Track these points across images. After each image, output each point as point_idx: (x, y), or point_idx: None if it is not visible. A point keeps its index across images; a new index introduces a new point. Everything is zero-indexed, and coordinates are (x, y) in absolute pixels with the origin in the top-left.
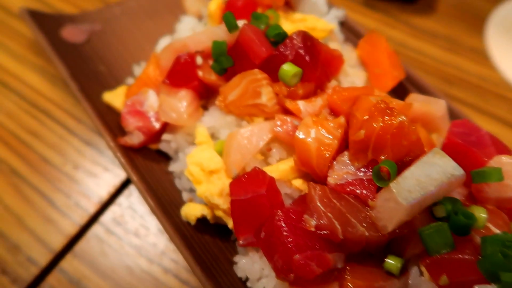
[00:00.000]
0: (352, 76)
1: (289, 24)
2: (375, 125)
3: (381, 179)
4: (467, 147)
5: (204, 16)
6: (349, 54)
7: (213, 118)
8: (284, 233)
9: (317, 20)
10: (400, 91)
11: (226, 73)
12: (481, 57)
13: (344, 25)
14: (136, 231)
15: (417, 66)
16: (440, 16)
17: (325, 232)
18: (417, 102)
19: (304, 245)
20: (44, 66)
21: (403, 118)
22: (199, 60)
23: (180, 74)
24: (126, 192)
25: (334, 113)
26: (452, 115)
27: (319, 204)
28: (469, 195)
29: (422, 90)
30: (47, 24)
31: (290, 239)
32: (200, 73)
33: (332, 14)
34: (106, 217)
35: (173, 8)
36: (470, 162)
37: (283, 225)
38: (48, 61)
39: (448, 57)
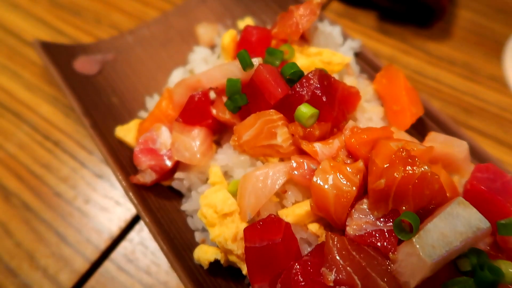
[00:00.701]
0: (369, 112)
1: (305, 58)
2: (396, 175)
3: (402, 231)
4: (492, 195)
5: (217, 45)
6: (365, 88)
7: (227, 156)
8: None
9: (332, 54)
10: (419, 126)
11: (240, 110)
12: (500, 85)
13: (359, 55)
14: (147, 269)
15: (434, 94)
16: (456, 42)
17: (344, 287)
18: (437, 143)
19: None
20: (57, 96)
21: (426, 168)
22: (212, 95)
23: (193, 112)
24: (137, 227)
25: (352, 155)
26: (472, 150)
27: (338, 257)
28: (494, 244)
29: (442, 125)
30: (60, 55)
31: None
32: (214, 111)
33: (348, 45)
34: (117, 253)
35: (186, 36)
36: (495, 211)
37: (301, 279)
38: (60, 91)
39: (466, 85)
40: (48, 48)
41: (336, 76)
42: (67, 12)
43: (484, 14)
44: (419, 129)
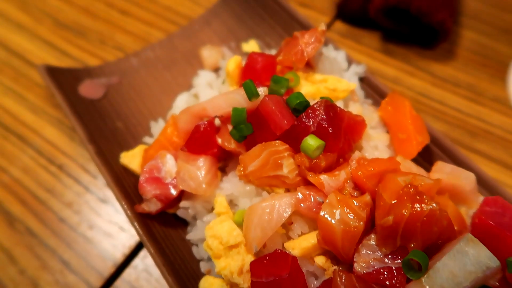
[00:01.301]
0: (374, 139)
1: (310, 85)
2: (404, 212)
3: (411, 270)
4: (500, 230)
5: (221, 68)
6: (370, 115)
7: (232, 185)
8: None
9: (338, 80)
10: (425, 153)
11: (246, 139)
12: (505, 107)
13: (364, 80)
14: None
15: (439, 117)
16: (460, 63)
17: None
18: (445, 173)
19: None
20: (61, 118)
21: (434, 205)
22: (217, 121)
23: (199, 142)
24: (141, 254)
25: (359, 187)
26: (479, 178)
27: None
28: (503, 280)
29: (448, 153)
30: (65, 80)
31: None
32: (219, 140)
33: (352, 70)
34: (121, 280)
35: (190, 58)
36: (504, 247)
37: None
38: (65, 115)
39: (471, 107)
40: (53, 73)
41: (341, 102)
42: (71, 33)
43: (488, 35)
44: (425, 156)
